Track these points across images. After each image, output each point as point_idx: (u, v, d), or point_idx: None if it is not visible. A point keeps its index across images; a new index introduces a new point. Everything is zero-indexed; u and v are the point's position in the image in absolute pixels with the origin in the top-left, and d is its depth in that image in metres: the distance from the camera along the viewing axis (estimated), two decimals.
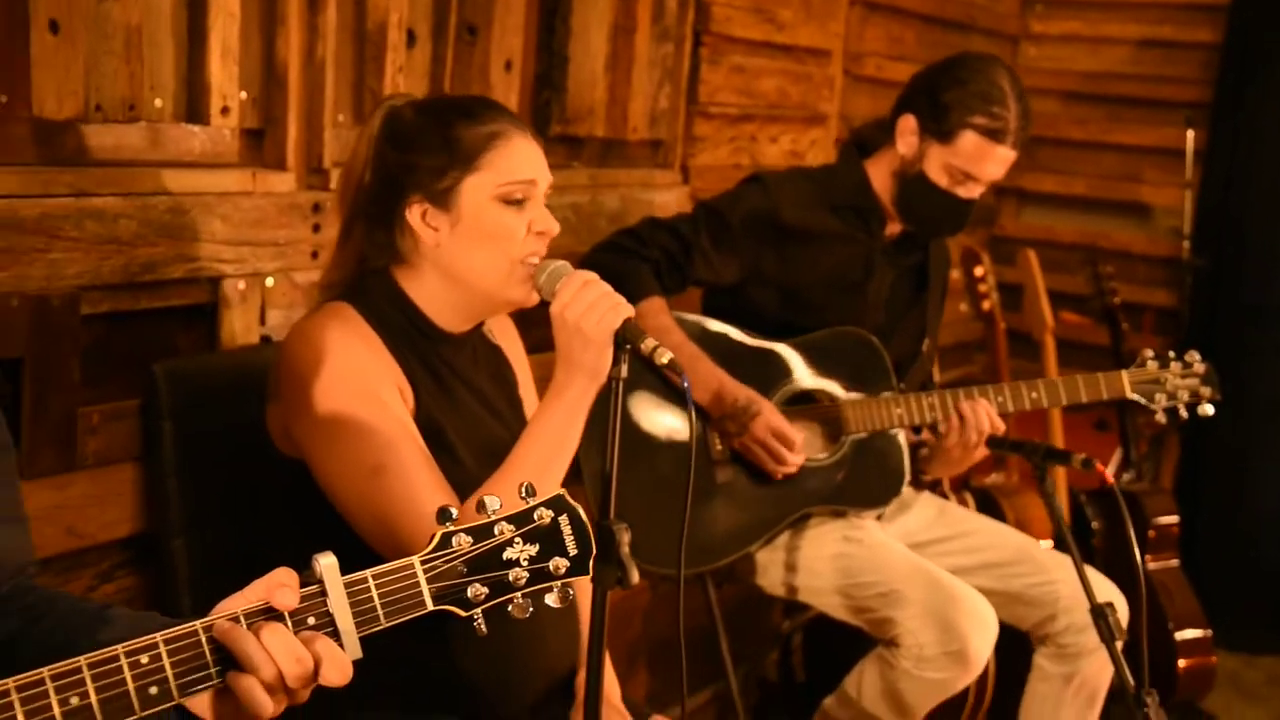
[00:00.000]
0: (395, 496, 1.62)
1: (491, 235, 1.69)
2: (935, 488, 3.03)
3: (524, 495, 1.31)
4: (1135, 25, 4.46)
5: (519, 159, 1.70)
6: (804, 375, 2.51)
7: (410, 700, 1.79)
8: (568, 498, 1.32)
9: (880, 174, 2.51)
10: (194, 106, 1.92)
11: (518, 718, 1.84)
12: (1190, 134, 4.19)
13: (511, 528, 1.27)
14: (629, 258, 2.41)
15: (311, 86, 2.07)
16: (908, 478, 2.51)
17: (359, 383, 1.64)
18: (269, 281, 2.03)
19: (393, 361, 1.69)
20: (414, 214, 1.69)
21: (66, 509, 1.80)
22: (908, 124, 2.42)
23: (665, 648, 3.22)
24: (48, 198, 1.70)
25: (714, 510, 2.43)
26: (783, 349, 2.52)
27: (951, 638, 2.26)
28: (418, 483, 1.63)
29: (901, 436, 2.53)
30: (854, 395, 2.50)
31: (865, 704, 2.40)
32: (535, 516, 1.29)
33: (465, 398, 1.81)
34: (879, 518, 2.59)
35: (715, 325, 2.51)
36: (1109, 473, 2.15)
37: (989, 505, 3.25)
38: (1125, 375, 2.48)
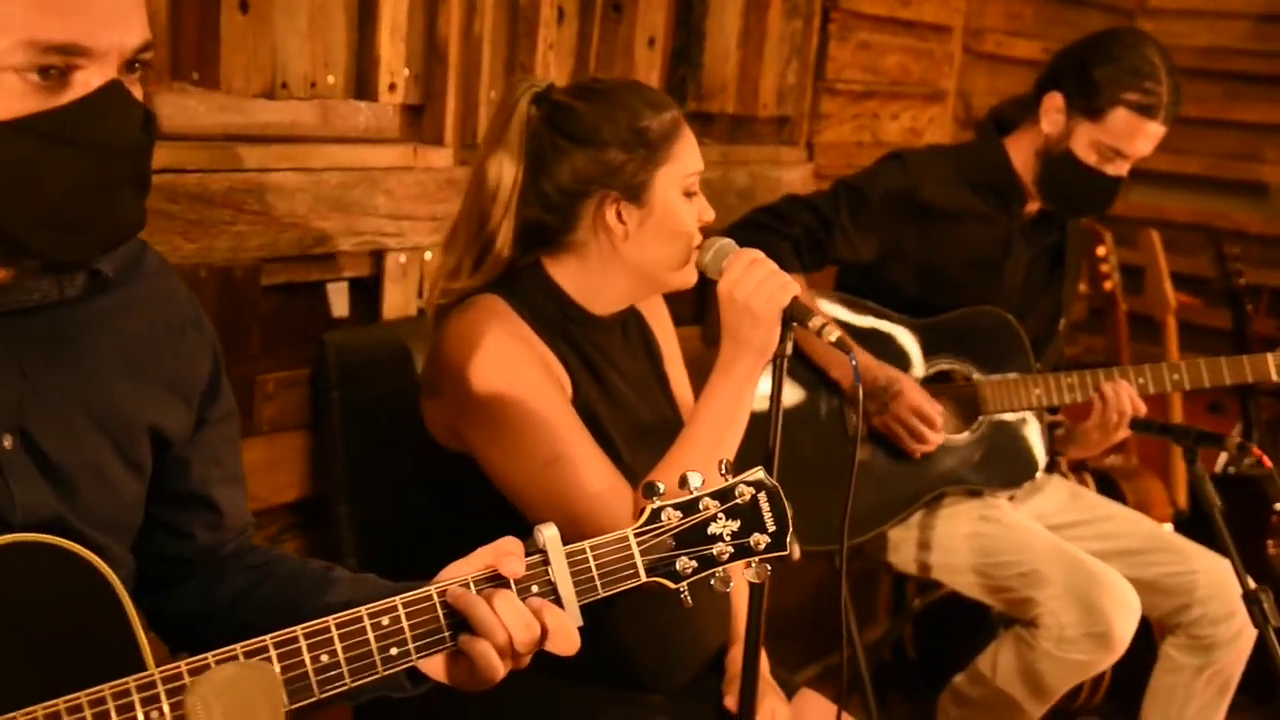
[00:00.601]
0: (572, 484, 1.64)
1: (676, 228, 1.71)
2: (1052, 469, 3.01)
3: (724, 472, 1.33)
4: None
5: (694, 148, 1.72)
6: (941, 354, 2.51)
7: (569, 670, 1.82)
8: (766, 475, 1.34)
9: (1021, 152, 2.49)
10: (363, 83, 1.96)
11: (670, 690, 1.87)
12: None
13: (715, 503, 1.29)
14: (769, 235, 2.41)
15: (468, 63, 2.11)
16: (1045, 459, 2.50)
17: (523, 378, 1.65)
18: (427, 255, 2.07)
19: (549, 352, 1.71)
20: (607, 209, 1.68)
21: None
22: (1054, 102, 2.39)
23: (780, 619, 3.25)
24: (234, 172, 1.75)
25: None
26: (920, 328, 2.51)
27: (1095, 619, 2.26)
28: (591, 468, 1.66)
29: (1037, 417, 2.52)
30: (992, 375, 2.49)
31: (1000, 683, 2.40)
32: (737, 493, 1.31)
33: (615, 382, 1.82)
34: (1011, 499, 2.59)
35: (851, 303, 2.51)
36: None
37: (1109, 487, 3.22)
38: (1271, 358, 2.45)
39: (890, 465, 2.44)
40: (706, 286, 2.82)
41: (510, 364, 1.65)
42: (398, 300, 2.05)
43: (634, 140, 1.66)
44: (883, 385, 2.36)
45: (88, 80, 1.01)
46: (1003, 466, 2.50)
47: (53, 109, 1.00)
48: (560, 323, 1.74)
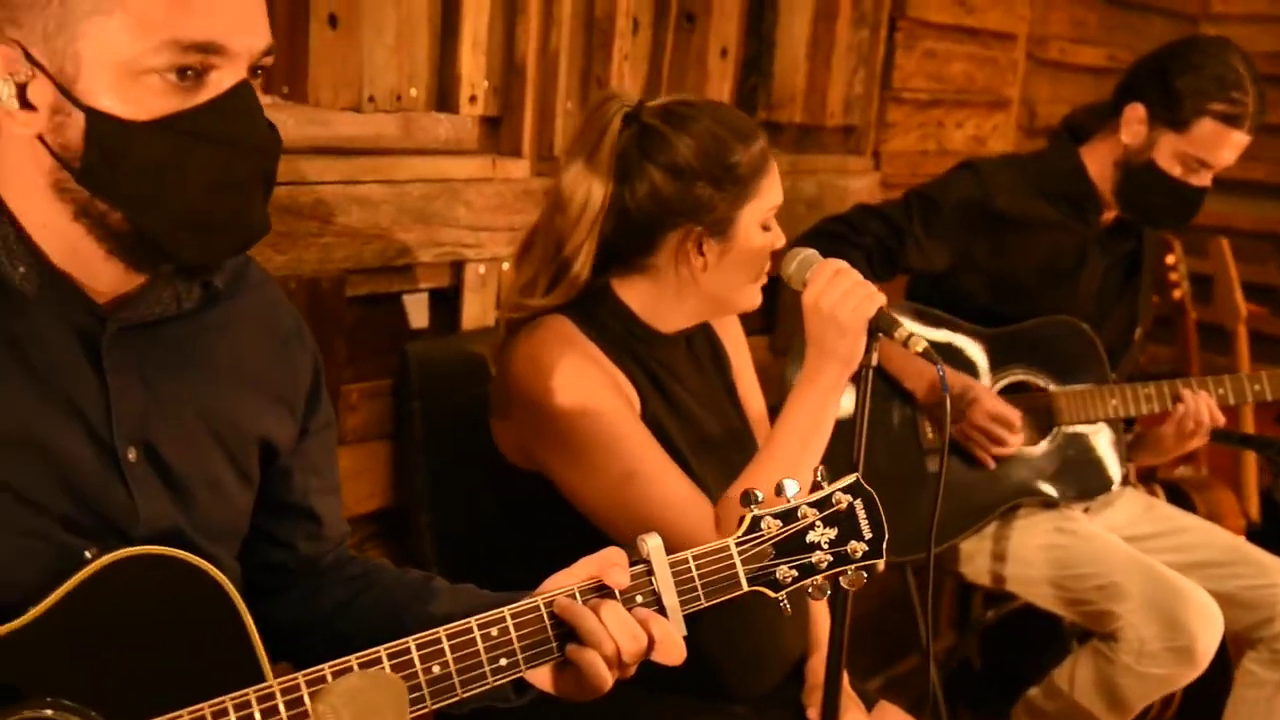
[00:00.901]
0: (650, 499, 1.65)
1: (753, 261, 1.73)
2: (1125, 481, 2.98)
3: (819, 480, 1.33)
4: None
5: (778, 182, 1.72)
6: (1014, 365, 2.49)
7: (652, 678, 1.82)
8: (863, 482, 1.34)
9: (1098, 161, 2.46)
10: (444, 96, 1.98)
11: (751, 698, 1.86)
12: None
13: (814, 511, 1.29)
14: (841, 244, 2.40)
15: (545, 75, 2.11)
16: (1122, 471, 2.47)
17: (593, 397, 1.65)
18: (505, 266, 2.08)
19: (617, 370, 1.71)
20: (689, 243, 1.69)
21: None
22: (1135, 112, 2.37)
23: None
24: (321, 185, 1.77)
25: (923, 499, 2.42)
26: (992, 338, 2.49)
27: (1177, 633, 2.23)
28: (666, 481, 1.66)
29: (1112, 428, 2.50)
30: (1066, 386, 2.47)
31: (1078, 697, 2.37)
32: (833, 500, 1.31)
33: (683, 396, 1.82)
34: (1085, 510, 2.56)
35: (923, 313, 2.50)
36: None
37: (1179, 498, 3.17)
38: None
39: (964, 476, 2.42)
40: (775, 297, 2.83)
41: (580, 384, 1.65)
42: (476, 311, 2.06)
43: (724, 176, 1.66)
44: (958, 393, 2.35)
45: (221, 80, 1.03)
46: (1078, 478, 2.47)
47: (190, 108, 1.02)
48: (627, 341, 1.75)
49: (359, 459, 1.92)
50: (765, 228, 1.73)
